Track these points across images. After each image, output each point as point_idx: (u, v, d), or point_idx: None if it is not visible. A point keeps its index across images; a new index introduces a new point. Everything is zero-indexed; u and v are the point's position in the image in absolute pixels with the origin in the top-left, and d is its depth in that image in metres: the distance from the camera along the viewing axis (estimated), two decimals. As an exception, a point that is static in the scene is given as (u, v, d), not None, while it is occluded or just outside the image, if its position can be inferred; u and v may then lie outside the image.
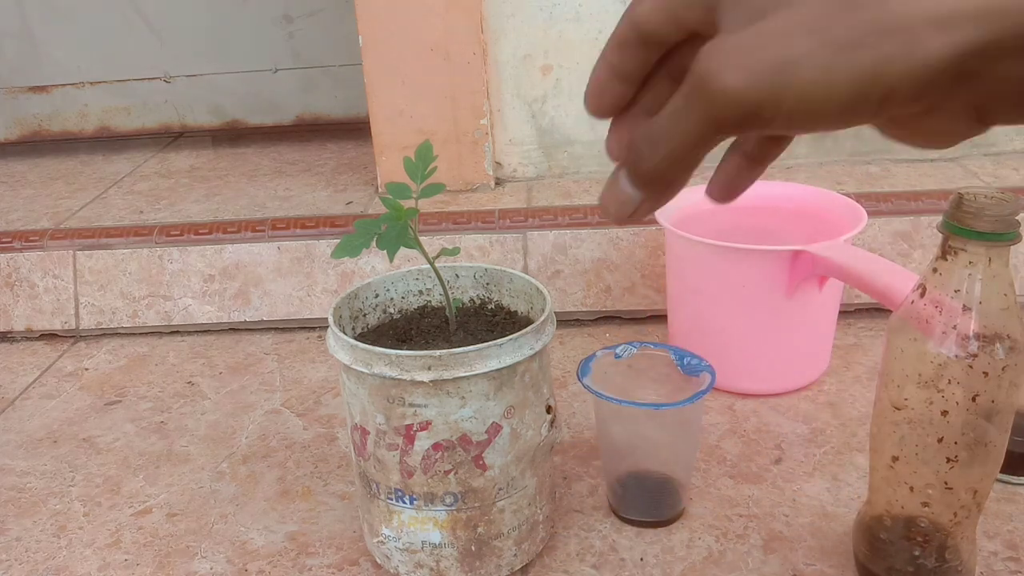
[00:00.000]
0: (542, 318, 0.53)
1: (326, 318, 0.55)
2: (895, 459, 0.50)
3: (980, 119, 0.26)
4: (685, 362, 0.62)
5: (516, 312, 0.60)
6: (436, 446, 0.51)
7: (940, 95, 0.24)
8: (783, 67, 0.24)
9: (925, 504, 0.50)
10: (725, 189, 0.32)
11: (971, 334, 0.45)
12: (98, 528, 0.65)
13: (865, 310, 0.88)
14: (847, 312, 0.87)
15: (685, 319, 0.78)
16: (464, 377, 0.50)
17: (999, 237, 0.44)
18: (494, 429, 0.52)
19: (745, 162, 0.32)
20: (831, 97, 0.24)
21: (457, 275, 0.61)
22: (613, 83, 0.31)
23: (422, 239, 0.53)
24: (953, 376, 0.46)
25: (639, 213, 0.29)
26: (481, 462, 0.52)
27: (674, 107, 0.26)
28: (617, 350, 0.63)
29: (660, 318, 0.88)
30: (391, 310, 0.61)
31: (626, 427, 0.60)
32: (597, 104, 0.31)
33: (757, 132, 0.27)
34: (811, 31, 0.24)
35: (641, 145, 0.28)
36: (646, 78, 0.31)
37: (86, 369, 0.89)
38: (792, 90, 0.24)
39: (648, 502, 0.62)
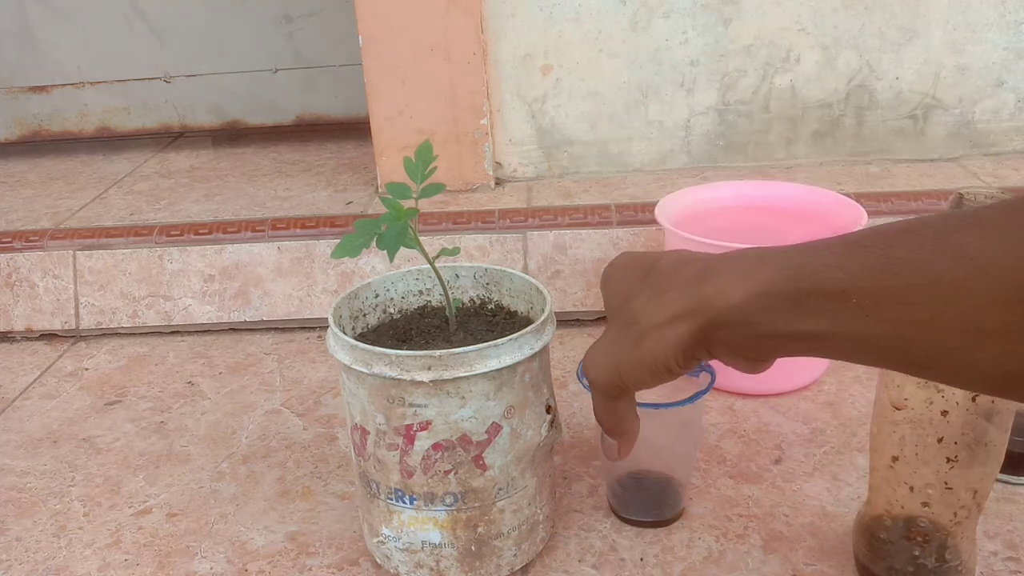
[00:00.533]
0: (542, 318, 0.53)
1: (326, 318, 0.55)
2: (895, 459, 0.50)
3: (754, 359, 0.42)
4: None
5: (516, 312, 0.60)
6: (436, 446, 0.51)
7: (702, 354, 0.41)
8: (611, 365, 0.43)
9: (925, 504, 0.50)
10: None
11: (971, 334, 0.45)
12: (98, 528, 0.65)
13: (865, 310, 0.88)
14: (847, 312, 0.87)
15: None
16: (464, 377, 0.50)
17: (999, 237, 0.44)
18: (494, 429, 0.52)
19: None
20: (641, 374, 0.42)
21: (457, 275, 0.61)
22: None
23: (422, 239, 0.53)
24: (953, 376, 0.46)
25: (623, 452, 0.50)
26: (481, 462, 0.52)
27: (592, 392, 0.47)
28: None
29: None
30: (391, 310, 0.61)
31: None
32: None
33: (628, 394, 0.46)
34: (614, 343, 0.43)
35: (596, 416, 0.48)
36: None
37: (86, 369, 0.89)
38: (622, 374, 0.43)
39: (648, 502, 0.62)
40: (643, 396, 0.62)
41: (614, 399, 0.46)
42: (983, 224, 0.32)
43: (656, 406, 0.57)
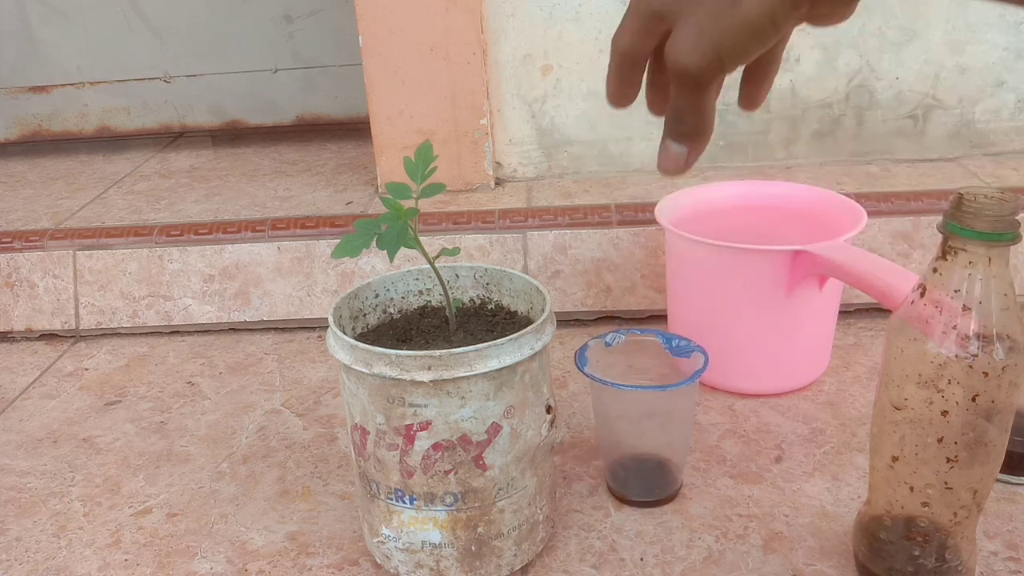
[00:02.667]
0: (542, 318, 0.53)
1: (326, 318, 0.55)
2: (895, 459, 0.50)
3: None
4: (673, 344, 0.64)
5: (516, 312, 0.60)
6: (436, 446, 0.51)
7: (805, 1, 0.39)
8: (708, 40, 0.39)
9: (925, 504, 0.50)
10: (752, 101, 0.48)
11: (971, 334, 0.45)
12: (98, 528, 0.65)
13: (865, 310, 0.88)
14: (847, 312, 0.87)
15: (685, 319, 0.78)
16: (464, 377, 0.50)
17: (999, 237, 0.44)
18: (494, 429, 0.52)
19: (752, 82, 0.47)
20: (745, 38, 0.39)
21: (457, 275, 0.61)
22: (626, 88, 0.46)
23: (422, 239, 0.53)
24: (953, 376, 0.46)
25: (689, 162, 0.44)
26: (481, 462, 0.52)
27: (676, 89, 0.42)
28: (606, 338, 0.65)
29: (660, 318, 0.88)
30: (391, 310, 0.61)
31: (626, 411, 0.62)
32: (621, 103, 0.46)
33: (723, 74, 0.41)
34: (705, 16, 0.40)
35: (674, 118, 0.43)
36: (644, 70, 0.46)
37: (86, 369, 0.89)
38: (721, 47, 0.39)
39: (649, 482, 0.64)
40: (636, 382, 0.64)
41: (707, 85, 0.42)
42: None
43: (662, 388, 0.59)
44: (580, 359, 0.62)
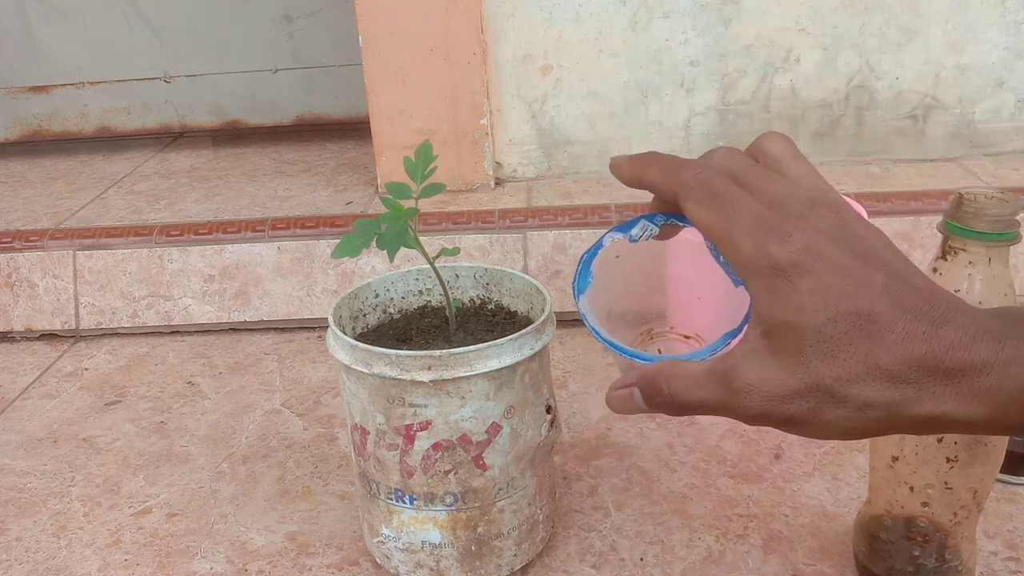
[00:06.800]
0: (542, 318, 0.53)
1: (326, 318, 0.55)
2: (895, 459, 0.50)
3: None
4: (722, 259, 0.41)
5: (516, 312, 0.60)
6: (436, 446, 0.51)
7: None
8: (766, 406, 0.34)
9: (925, 504, 0.50)
10: None
11: (971, 334, 0.45)
12: (98, 528, 0.65)
13: (865, 310, 0.88)
14: (847, 312, 0.87)
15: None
16: (464, 377, 0.50)
17: (999, 237, 0.44)
18: (494, 429, 0.52)
19: None
20: (792, 429, 0.35)
21: (457, 275, 0.61)
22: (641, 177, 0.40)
23: (422, 239, 0.53)
24: (953, 376, 0.46)
25: (638, 412, 0.39)
26: (481, 462, 0.52)
27: (708, 392, 0.36)
28: (632, 231, 0.41)
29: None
30: (391, 310, 0.61)
31: None
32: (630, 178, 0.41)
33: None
34: (798, 383, 0.34)
35: (666, 393, 0.37)
36: None
37: (86, 369, 0.89)
38: (776, 420, 0.35)
39: None
40: (674, 349, 0.53)
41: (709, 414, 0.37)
42: None
43: (689, 357, 0.40)
44: (580, 282, 0.41)
